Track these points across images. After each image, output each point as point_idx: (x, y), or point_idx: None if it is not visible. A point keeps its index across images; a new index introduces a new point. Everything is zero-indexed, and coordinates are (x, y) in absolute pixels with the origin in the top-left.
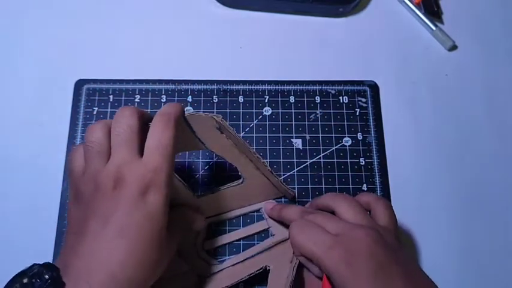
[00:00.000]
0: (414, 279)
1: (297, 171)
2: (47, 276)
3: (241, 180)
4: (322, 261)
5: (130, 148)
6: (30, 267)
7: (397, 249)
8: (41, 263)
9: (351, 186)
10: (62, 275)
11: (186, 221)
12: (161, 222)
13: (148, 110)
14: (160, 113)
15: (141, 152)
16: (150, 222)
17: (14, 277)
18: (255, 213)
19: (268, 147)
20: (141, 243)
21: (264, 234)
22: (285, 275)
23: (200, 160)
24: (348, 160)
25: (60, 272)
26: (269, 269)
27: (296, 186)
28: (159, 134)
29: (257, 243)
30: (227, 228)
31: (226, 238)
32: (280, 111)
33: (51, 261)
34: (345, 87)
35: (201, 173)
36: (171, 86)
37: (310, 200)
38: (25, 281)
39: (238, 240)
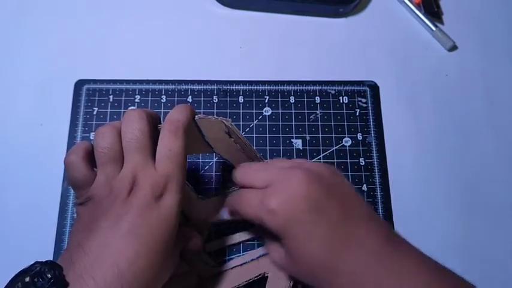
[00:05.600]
0: (352, 217)
1: None
2: (49, 276)
3: None
4: (259, 218)
5: (143, 153)
6: (32, 265)
7: (333, 185)
8: (43, 260)
9: None
10: (66, 272)
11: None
12: (172, 225)
13: None
14: (170, 119)
15: (153, 156)
16: (162, 224)
17: (15, 276)
18: None
19: (268, 147)
20: (151, 243)
21: None
22: (283, 284)
23: (200, 160)
24: (348, 160)
25: (64, 270)
26: (267, 276)
27: None
28: (169, 143)
29: (257, 243)
30: (229, 229)
31: (227, 240)
32: (280, 111)
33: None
34: (345, 88)
35: (201, 173)
36: (171, 86)
37: None
38: (27, 279)
39: (240, 243)
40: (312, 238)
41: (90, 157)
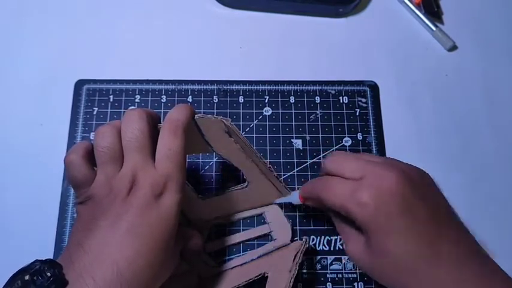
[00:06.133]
0: (439, 221)
1: (297, 171)
2: (49, 274)
3: (245, 184)
4: (346, 209)
5: (143, 153)
6: (32, 263)
7: (424, 187)
8: (42, 259)
9: None
10: (66, 271)
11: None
12: (172, 224)
13: None
14: (170, 119)
15: (153, 155)
16: (162, 223)
17: (15, 274)
18: (258, 217)
19: (268, 147)
20: (151, 243)
21: (266, 238)
22: (283, 284)
23: (200, 160)
24: None
25: (64, 268)
26: (267, 276)
27: (296, 187)
28: (169, 142)
29: (257, 243)
30: (229, 228)
31: (227, 241)
32: (280, 111)
33: None
34: (345, 88)
35: (201, 173)
36: (171, 86)
37: None
38: (26, 277)
39: (240, 243)
40: (398, 233)
41: (90, 156)
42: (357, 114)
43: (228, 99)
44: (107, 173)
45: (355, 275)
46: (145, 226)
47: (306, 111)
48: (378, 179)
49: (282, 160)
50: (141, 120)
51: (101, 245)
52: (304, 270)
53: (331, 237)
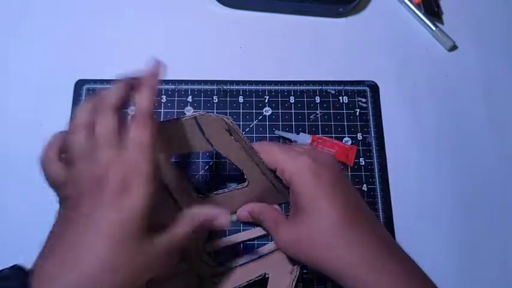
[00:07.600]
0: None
1: None
2: (15, 282)
3: (246, 184)
4: (288, 165)
5: (112, 147)
6: (0, 271)
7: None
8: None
9: None
10: (35, 277)
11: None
12: (141, 222)
13: None
14: (136, 110)
15: (124, 148)
16: (132, 217)
17: None
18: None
19: None
20: (122, 241)
21: (266, 238)
22: (284, 285)
23: (200, 160)
24: None
25: (34, 274)
26: (268, 277)
27: None
28: (137, 134)
29: (257, 243)
30: (229, 230)
31: (227, 241)
32: (280, 111)
33: None
34: (345, 87)
35: (201, 173)
36: (171, 86)
37: None
38: None
39: (240, 243)
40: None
41: (64, 151)
42: (357, 114)
43: (228, 99)
44: (80, 171)
45: None
46: (115, 223)
47: (306, 111)
48: (316, 153)
49: None
50: (113, 112)
51: (66, 250)
52: (305, 270)
53: None
